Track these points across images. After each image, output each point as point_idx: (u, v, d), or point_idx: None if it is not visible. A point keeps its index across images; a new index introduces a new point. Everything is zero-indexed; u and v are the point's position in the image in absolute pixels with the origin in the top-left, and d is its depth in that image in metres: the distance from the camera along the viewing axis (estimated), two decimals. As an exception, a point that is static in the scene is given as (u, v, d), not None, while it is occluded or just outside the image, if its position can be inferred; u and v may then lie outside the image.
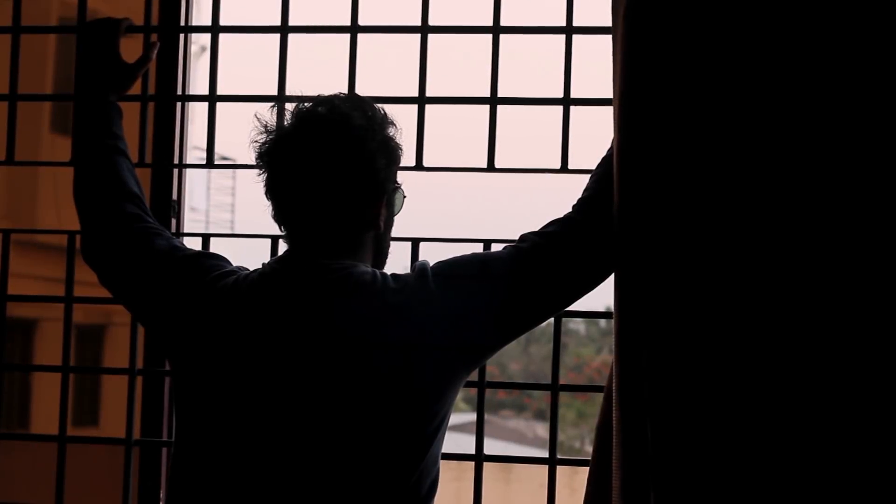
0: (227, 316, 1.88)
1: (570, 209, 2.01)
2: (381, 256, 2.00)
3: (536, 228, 2.00)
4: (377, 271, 1.91)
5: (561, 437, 5.66)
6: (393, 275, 1.91)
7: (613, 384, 1.94)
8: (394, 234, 2.27)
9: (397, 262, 2.51)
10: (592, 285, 1.99)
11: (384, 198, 1.95)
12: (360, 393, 1.81)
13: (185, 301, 1.93)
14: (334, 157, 1.89)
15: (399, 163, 1.99)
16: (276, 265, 1.92)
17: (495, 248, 2.33)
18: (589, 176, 2.04)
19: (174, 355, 1.94)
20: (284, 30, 2.45)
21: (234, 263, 2.02)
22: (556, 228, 1.97)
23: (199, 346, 1.89)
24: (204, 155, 2.52)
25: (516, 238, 2.31)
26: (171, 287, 1.96)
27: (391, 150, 1.95)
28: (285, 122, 1.94)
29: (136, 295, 2.03)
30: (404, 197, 2.01)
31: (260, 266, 1.95)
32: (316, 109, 1.92)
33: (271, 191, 1.93)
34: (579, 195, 2.02)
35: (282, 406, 1.82)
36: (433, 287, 1.87)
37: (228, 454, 1.84)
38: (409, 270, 2.29)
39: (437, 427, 1.86)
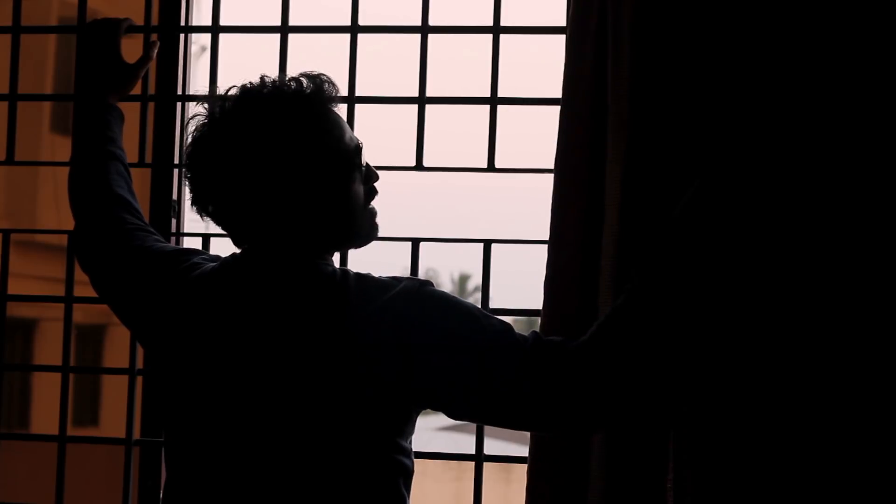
0: (195, 306, 1.87)
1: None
2: (351, 235, 1.91)
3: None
4: (338, 269, 1.84)
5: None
6: (357, 275, 1.82)
7: None
8: (394, 234, 2.27)
9: (397, 262, 2.52)
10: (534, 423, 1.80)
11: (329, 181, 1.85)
12: (301, 390, 1.77)
13: (161, 295, 1.92)
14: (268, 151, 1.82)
15: (333, 138, 1.86)
16: (237, 256, 1.90)
17: (495, 247, 2.33)
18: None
19: (155, 351, 1.93)
20: (284, 30, 2.45)
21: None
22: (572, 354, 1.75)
23: (174, 338, 1.88)
24: (204, 155, 2.51)
25: (516, 238, 2.30)
26: (148, 283, 1.95)
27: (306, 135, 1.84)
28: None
29: (118, 295, 2.03)
30: (356, 165, 1.88)
31: (226, 256, 1.93)
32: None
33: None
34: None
35: (241, 395, 1.80)
36: (404, 302, 1.77)
37: (204, 446, 1.84)
38: (408, 271, 2.27)
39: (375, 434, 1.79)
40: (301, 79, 1.87)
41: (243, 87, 1.87)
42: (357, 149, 1.89)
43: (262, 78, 1.88)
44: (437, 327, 1.76)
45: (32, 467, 5.34)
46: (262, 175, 1.82)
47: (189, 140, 1.88)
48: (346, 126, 1.90)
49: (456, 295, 1.83)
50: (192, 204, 1.89)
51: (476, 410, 1.78)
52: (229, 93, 1.87)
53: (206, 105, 1.88)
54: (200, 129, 1.88)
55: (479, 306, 1.90)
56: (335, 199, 1.86)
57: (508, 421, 1.78)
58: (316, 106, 1.86)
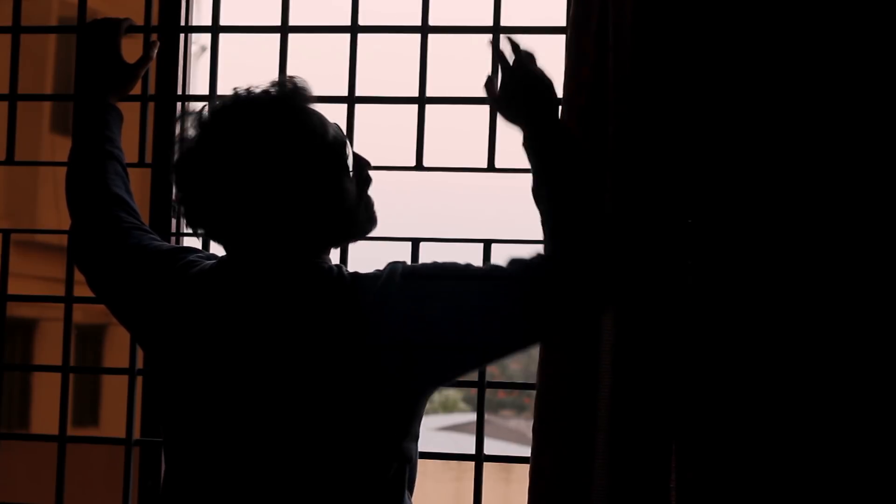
0: (194, 303, 1.87)
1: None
2: (350, 228, 1.92)
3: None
4: (334, 266, 1.85)
5: (561, 437, 5.58)
6: (354, 273, 1.84)
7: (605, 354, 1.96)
8: (394, 234, 2.27)
9: (397, 262, 2.50)
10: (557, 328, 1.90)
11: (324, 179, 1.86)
12: (306, 388, 1.78)
13: (158, 293, 1.92)
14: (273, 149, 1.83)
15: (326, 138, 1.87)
16: (234, 256, 1.89)
17: (495, 248, 2.33)
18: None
19: (154, 350, 1.93)
20: (284, 30, 2.45)
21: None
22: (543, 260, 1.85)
23: (173, 336, 1.88)
24: (204, 155, 2.51)
25: (516, 238, 2.30)
26: (145, 281, 1.95)
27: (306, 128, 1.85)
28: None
29: (115, 294, 2.03)
30: (363, 165, 1.91)
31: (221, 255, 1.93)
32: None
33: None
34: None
35: (244, 395, 1.80)
36: (396, 286, 1.80)
37: (205, 446, 1.84)
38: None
39: (395, 425, 1.82)
40: (277, 84, 1.87)
41: (221, 101, 1.86)
42: (342, 143, 1.89)
43: (234, 90, 1.87)
44: (435, 292, 1.79)
45: (32, 467, 5.34)
46: (254, 183, 1.81)
47: (175, 162, 1.87)
48: (329, 122, 1.90)
49: None
50: (187, 226, 1.88)
51: (491, 346, 1.81)
52: (205, 111, 1.86)
53: (187, 122, 1.86)
54: (184, 151, 1.86)
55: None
56: (329, 194, 1.85)
57: (522, 339, 1.82)
58: (297, 109, 1.86)
